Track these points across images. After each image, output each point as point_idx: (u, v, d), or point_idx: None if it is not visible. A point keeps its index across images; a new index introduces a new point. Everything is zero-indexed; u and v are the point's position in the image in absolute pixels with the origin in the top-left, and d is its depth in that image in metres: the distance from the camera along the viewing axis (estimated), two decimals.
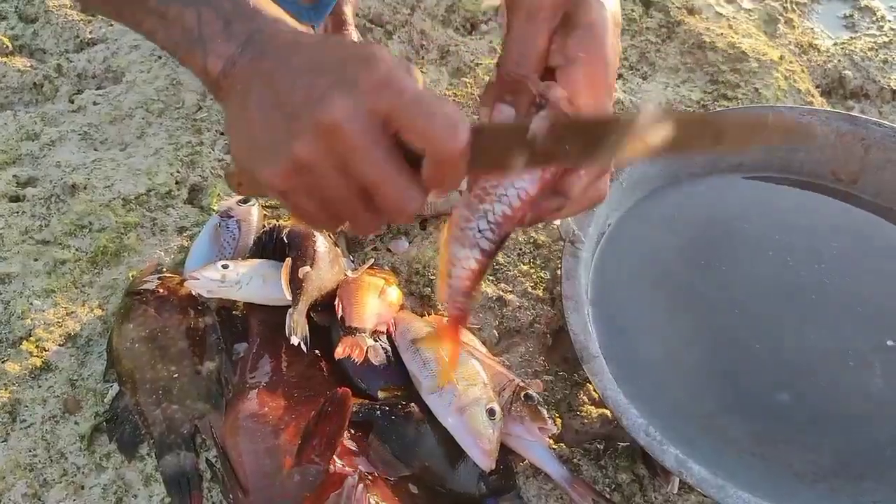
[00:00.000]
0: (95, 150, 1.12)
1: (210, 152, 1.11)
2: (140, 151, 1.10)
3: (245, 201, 0.97)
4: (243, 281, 0.83)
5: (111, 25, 1.31)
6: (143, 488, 0.77)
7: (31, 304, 0.91)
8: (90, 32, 1.30)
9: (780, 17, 1.44)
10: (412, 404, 0.77)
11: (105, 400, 0.83)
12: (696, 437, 0.76)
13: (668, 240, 0.94)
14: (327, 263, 0.87)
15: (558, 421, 0.82)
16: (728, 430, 0.77)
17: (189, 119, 1.16)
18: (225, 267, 0.83)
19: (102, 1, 0.53)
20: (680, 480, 0.75)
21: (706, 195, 0.99)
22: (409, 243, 1.00)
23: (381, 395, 0.79)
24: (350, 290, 0.86)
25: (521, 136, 0.42)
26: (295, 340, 0.78)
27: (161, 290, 0.87)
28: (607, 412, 0.83)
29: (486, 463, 0.71)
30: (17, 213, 1.01)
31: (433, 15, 1.37)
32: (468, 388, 0.75)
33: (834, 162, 0.99)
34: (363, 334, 0.80)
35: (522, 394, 0.77)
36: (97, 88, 1.23)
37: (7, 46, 1.26)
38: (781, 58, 1.33)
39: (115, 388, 0.83)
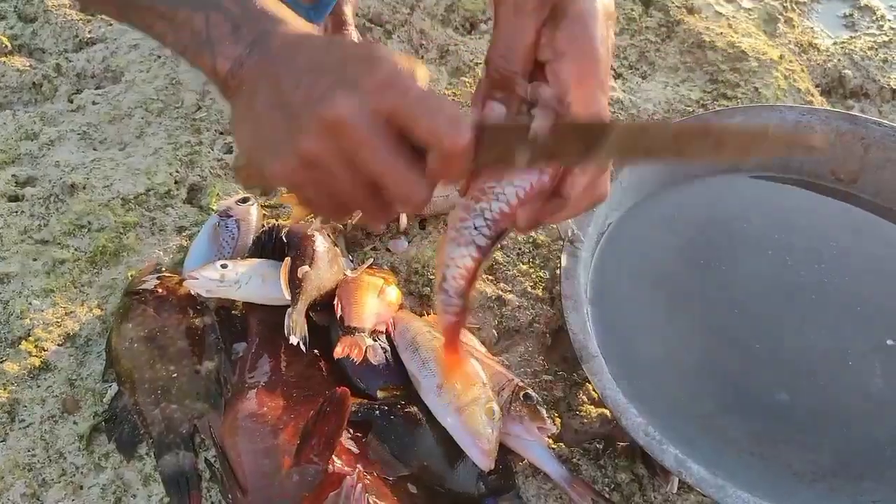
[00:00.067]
0: (94, 149, 1.12)
1: (209, 152, 1.11)
2: (139, 151, 1.10)
3: (244, 201, 0.97)
4: (242, 280, 0.83)
5: (110, 25, 1.31)
6: (141, 488, 0.77)
7: (30, 303, 0.91)
8: (89, 32, 1.30)
9: (779, 17, 1.44)
10: (411, 404, 0.77)
11: (104, 400, 0.83)
12: (695, 436, 0.76)
13: (668, 240, 0.94)
14: (326, 263, 0.87)
15: (557, 420, 0.82)
16: (727, 430, 0.77)
17: (188, 119, 1.16)
18: (224, 266, 0.83)
19: (105, 2, 0.54)
20: (679, 480, 0.75)
21: (706, 195, 0.99)
22: (409, 243, 1.00)
23: (380, 394, 0.79)
24: (349, 290, 0.86)
25: (522, 135, 0.43)
26: (294, 340, 0.78)
27: (160, 290, 0.87)
28: (606, 412, 0.83)
29: (485, 463, 0.71)
30: (16, 212, 1.01)
31: (433, 14, 1.37)
32: (467, 388, 0.75)
33: (833, 161, 0.99)
34: (362, 334, 0.80)
35: (521, 393, 0.77)
36: (96, 88, 1.23)
37: (6, 46, 1.26)
38: (781, 57, 1.33)
39: (114, 387, 0.83)
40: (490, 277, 0.97)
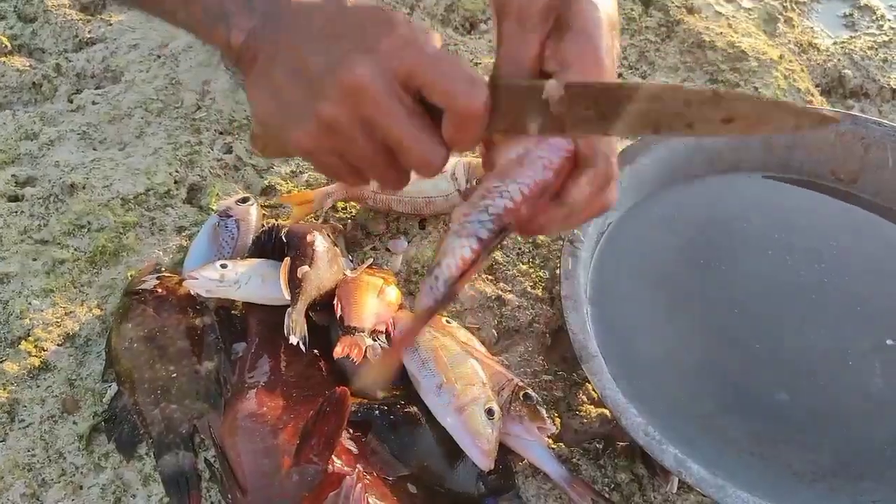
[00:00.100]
0: (94, 149, 1.12)
1: (209, 152, 1.11)
2: (139, 151, 1.10)
3: (244, 201, 0.97)
4: (242, 280, 0.83)
5: (110, 25, 1.31)
6: (141, 488, 0.77)
7: (30, 303, 0.91)
8: (89, 32, 1.30)
9: (779, 16, 1.44)
10: (411, 404, 0.77)
11: (104, 400, 0.83)
12: (695, 436, 0.76)
13: (668, 239, 0.94)
14: (326, 263, 0.87)
15: (557, 420, 0.82)
16: (727, 430, 0.77)
17: (188, 119, 1.16)
18: (223, 266, 0.83)
19: None
20: (679, 480, 0.75)
21: (705, 195, 0.99)
22: (409, 243, 1.00)
23: (379, 394, 0.79)
24: (349, 290, 0.86)
25: (536, 95, 0.43)
26: (294, 340, 0.78)
27: (160, 290, 0.87)
28: (606, 412, 0.83)
29: (485, 463, 0.71)
30: (16, 212, 1.01)
31: (432, 14, 1.37)
32: (467, 388, 0.75)
33: (833, 161, 0.99)
34: (362, 334, 0.80)
35: (521, 393, 0.77)
36: (96, 88, 1.22)
37: (6, 46, 1.26)
38: (781, 57, 1.33)
39: (114, 387, 0.82)
40: (490, 277, 0.97)
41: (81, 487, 0.77)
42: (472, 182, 0.98)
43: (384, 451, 0.74)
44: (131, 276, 0.93)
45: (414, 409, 0.77)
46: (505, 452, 0.76)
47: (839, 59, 1.37)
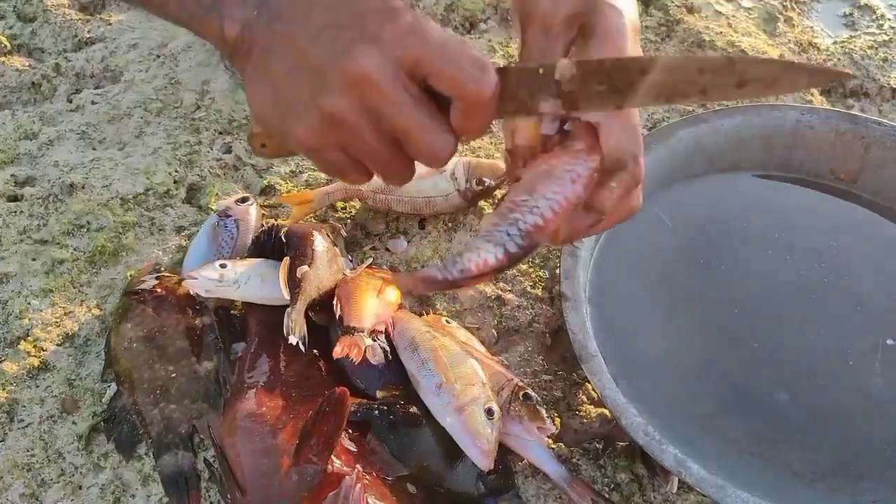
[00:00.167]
0: (94, 149, 1.11)
1: (208, 151, 1.11)
2: (138, 151, 1.10)
3: (243, 201, 0.96)
4: (241, 280, 0.83)
5: (109, 25, 1.31)
6: (140, 488, 0.77)
7: (29, 303, 0.91)
8: (88, 32, 1.30)
9: (779, 16, 1.44)
10: (410, 404, 0.77)
11: (103, 400, 0.83)
12: (695, 436, 0.76)
13: (668, 239, 0.94)
14: (325, 263, 0.86)
15: (557, 420, 0.82)
16: (727, 430, 0.77)
17: (187, 118, 1.16)
18: (223, 266, 0.83)
19: None
20: (679, 480, 0.75)
21: (705, 195, 0.99)
22: (408, 243, 1.00)
23: (379, 394, 0.79)
24: (348, 290, 0.85)
25: (547, 77, 0.42)
26: (293, 340, 0.78)
27: (159, 290, 0.87)
28: (606, 412, 0.83)
29: (485, 463, 0.71)
30: (15, 212, 1.01)
31: (432, 14, 1.37)
32: (466, 388, 0.74)
33: (833, 161, 0.99)
34: (361, 334, 0.80)
35: (521, 393, 0.77)
36: (95, 88, 1.22)
37: (5, 46, 1.26)
38: (781, 56, 1.33)
39: (113, 387, 0.82)
40: None
41: (81, 487, 0.77)
42: (472, 182, 0.98)
43: (384, 451, 0.74)
44: (130, 275, 0.93)
45: (414, 408, 0.77)
46: (505, 452, 0.76)
47: (839, 59, 1.37)
